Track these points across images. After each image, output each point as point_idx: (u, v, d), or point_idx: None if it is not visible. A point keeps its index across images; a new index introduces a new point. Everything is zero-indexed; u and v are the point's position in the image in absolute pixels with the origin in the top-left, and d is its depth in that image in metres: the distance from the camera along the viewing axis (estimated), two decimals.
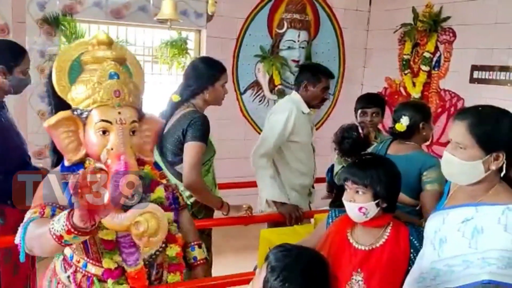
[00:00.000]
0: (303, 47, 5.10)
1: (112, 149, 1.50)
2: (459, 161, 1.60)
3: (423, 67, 4.58)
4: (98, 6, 4.28)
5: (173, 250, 1.74)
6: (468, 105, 3.88)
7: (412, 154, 2.43)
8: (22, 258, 1.48)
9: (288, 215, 2.80)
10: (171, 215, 1.71)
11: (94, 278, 1.60)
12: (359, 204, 1.76)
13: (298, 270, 1.28)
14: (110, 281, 1.59)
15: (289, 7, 5.01)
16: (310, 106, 3.03)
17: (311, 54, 5.16)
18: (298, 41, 5.07)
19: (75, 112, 1.56)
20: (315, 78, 2.97)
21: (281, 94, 5.05)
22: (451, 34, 4.38)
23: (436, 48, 4.50)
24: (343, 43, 5.36)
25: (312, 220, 2.98)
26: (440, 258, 1.65)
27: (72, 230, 1.30)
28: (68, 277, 1.64)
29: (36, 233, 1.41)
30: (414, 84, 4.71)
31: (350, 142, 2.91)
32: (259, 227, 3.09)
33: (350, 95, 4.79)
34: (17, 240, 1.46)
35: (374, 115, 3.22)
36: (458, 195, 1.70)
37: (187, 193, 2.54)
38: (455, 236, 1.61)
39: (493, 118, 1.60)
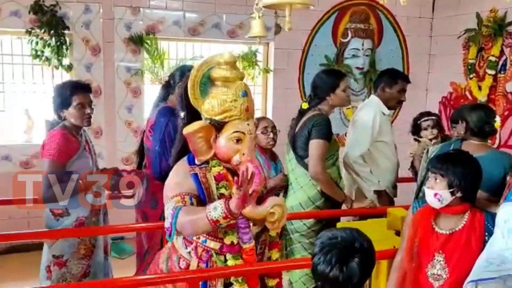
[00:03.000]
0: (367, 55, 5.31)
1: (243, 154, 1.86)
2: None
3: (489, 71, 4.62)
4: (177, 25, 4.70)
5: (274, 230, 2.01)
6: None
7: (492, 154, 2.54)
8: (171, 239, 1.90)
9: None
10: None
11: (213, 252, 1.91)
12: (435, 190, 2.02)
13: (333, 244, 1.53)
14: (229, 255, 1.89)
15: (353, 17, 5.22)
16: (387, 107, 3.29)
17: (375, 62, 5.33)
18: (363, 49, 5.28)
19: (210, 122, 1.87)
20: (392, 80, 3.27)
21: None
22: None
23: (502, 51, 4.54)
24: (407, 49, 5.47)
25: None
26: (508, 247, 1.80)
27: (229, 216, 1.68)
28: (189, 252, 1.95)
29: (188, 219, 1.74)
30: (480, 88, 4.75)
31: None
32: None
33: (415, 100, 4.90)
34: (167, 224, 1.79)
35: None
36: None
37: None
38: None
39: None
